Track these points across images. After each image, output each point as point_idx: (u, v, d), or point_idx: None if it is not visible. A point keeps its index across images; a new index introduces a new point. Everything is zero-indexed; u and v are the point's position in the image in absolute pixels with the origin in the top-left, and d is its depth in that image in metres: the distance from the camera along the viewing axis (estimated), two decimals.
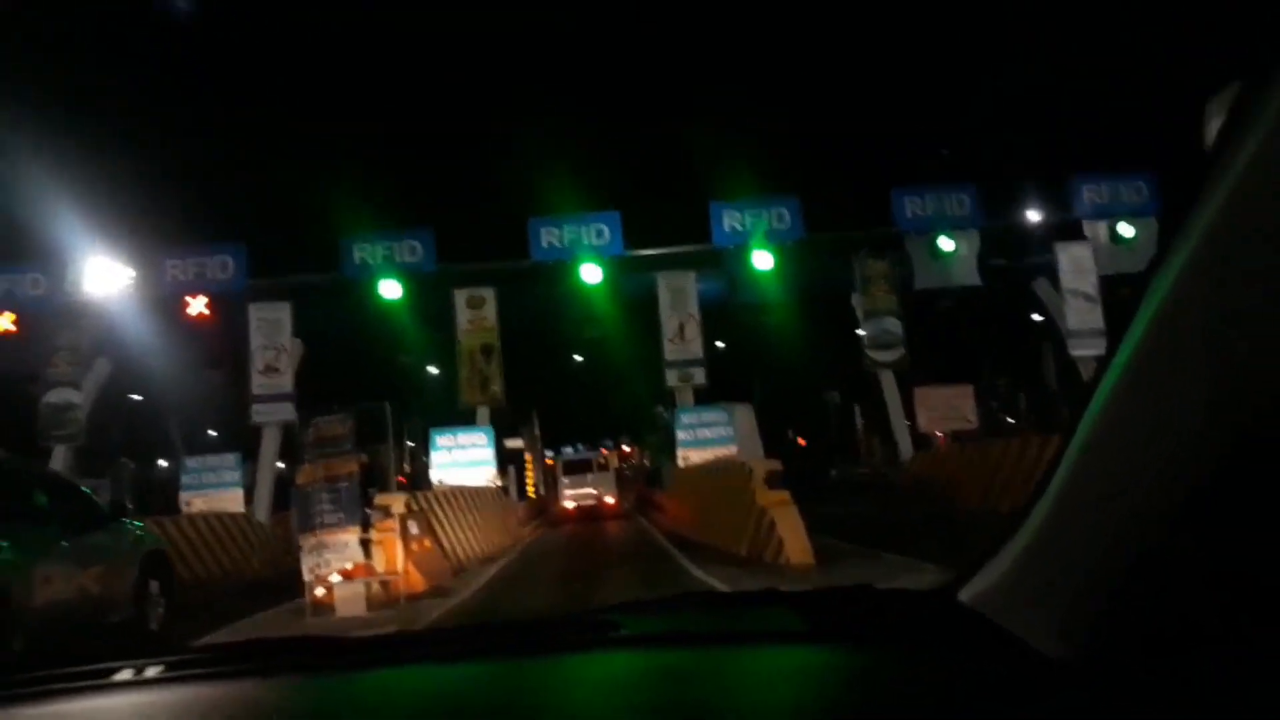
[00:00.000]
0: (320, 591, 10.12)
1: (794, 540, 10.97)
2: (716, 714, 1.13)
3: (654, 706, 1.17)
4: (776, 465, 12.43)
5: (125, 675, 1.45)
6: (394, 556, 10.47)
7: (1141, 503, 0.95)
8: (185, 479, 20.50)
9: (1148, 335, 0.91)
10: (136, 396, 29.64)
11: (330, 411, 10.35)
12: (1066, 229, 24.63)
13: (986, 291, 24.92)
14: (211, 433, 34.23)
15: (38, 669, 1.47)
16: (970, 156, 26.81)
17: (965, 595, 1.28)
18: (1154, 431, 0.92)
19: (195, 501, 19.65)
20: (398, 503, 11.71)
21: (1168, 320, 0.89)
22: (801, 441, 34.76)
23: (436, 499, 14.35)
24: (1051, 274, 24.30)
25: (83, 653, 1.89)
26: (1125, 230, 24.45)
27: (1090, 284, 23.20)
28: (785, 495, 11.90)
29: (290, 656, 1.57)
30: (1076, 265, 23.43)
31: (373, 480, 31.11)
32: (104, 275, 23.39)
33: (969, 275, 24.30)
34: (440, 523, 13.86)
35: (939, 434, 23.25)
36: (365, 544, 10.42)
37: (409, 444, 35.63)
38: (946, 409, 20.95)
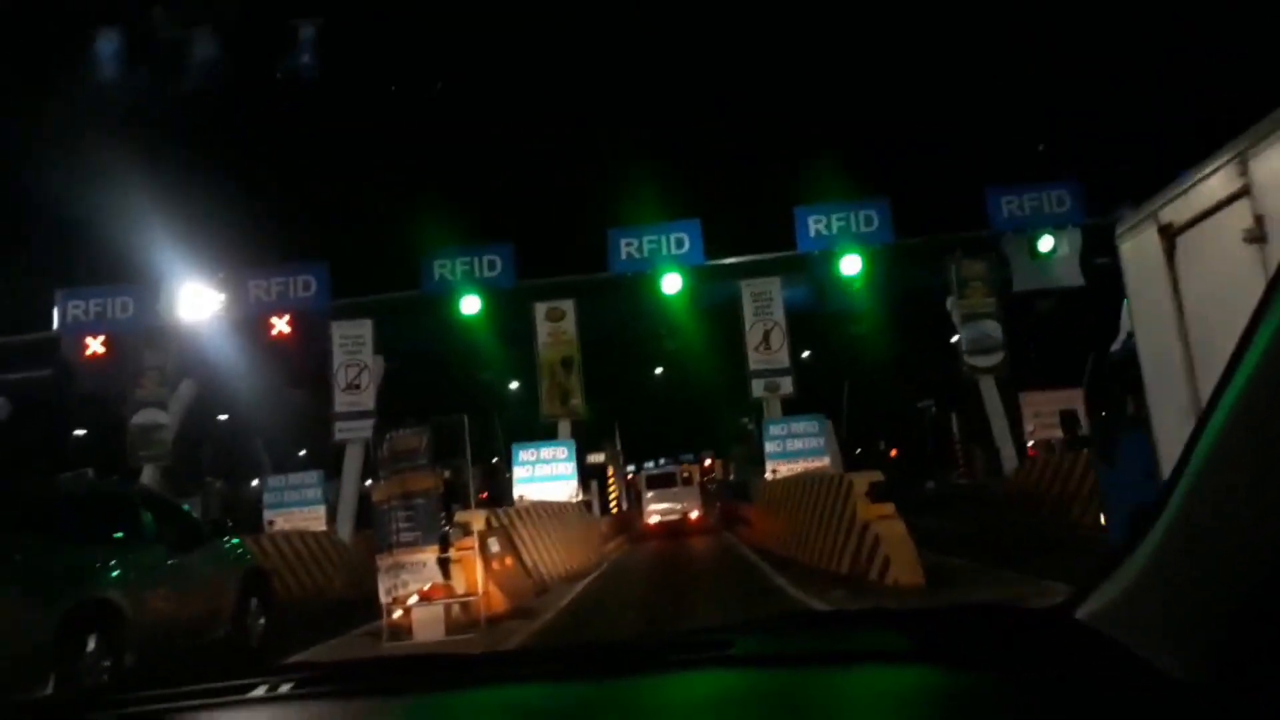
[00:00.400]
0: (398, 614, 9.64)
1: (902, 558, 10.12)
2: None
3: None
4: (878, 476, 11.58)
5: (259, 692, 1.49)
6: (474, 576, 9.92)
7: (1275, 518, 0.90)
8: (268, 497, 20.41)
9: (1276, 340, 0.89)
10: (224, 417, 30.01)
11: (405, 425, 9.85)
12: None
13: (1090, 291, 23.55)
14: (301, 452, 34.55)
15: (148, 685, 1.56)
16: (1070, 151, 25.46)
17: (1083, 613, 1.24)
18: None
19: (277, 520, 19.52)
20: (478, 519, 11.19)
21: None
22: (894, 453, 33.53)
23: (518, 515, 13.84)
24: None
25: (189, 669, 1.86)
26: None
27: None
28: (889, 508, 11.08)
29: (405, 675, 1.60)
30: None
31: (454, 496, 30.98)
32: (191, 298, 23.62)
33: (1071, 275, 23.01)
34: (522, 540, 13.32)
35: (1029, 444, 21.97)
36: (444, 563, 9.90)
37: (493, 460, 35.45)
38: (1056, 415, 19.63)
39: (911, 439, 33.75)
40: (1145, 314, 6.95)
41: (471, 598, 9.90)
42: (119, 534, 8.19)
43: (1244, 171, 5.32)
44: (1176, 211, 6.16)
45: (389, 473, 9.74)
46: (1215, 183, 5.65)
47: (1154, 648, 1.06)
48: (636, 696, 1.35)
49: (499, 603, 10.32)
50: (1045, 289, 23.27)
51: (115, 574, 7.59)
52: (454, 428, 10.21)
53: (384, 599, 9.58)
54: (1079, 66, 25.50)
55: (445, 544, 10.23)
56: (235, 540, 10.60)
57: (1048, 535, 14.01)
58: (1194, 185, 5.93)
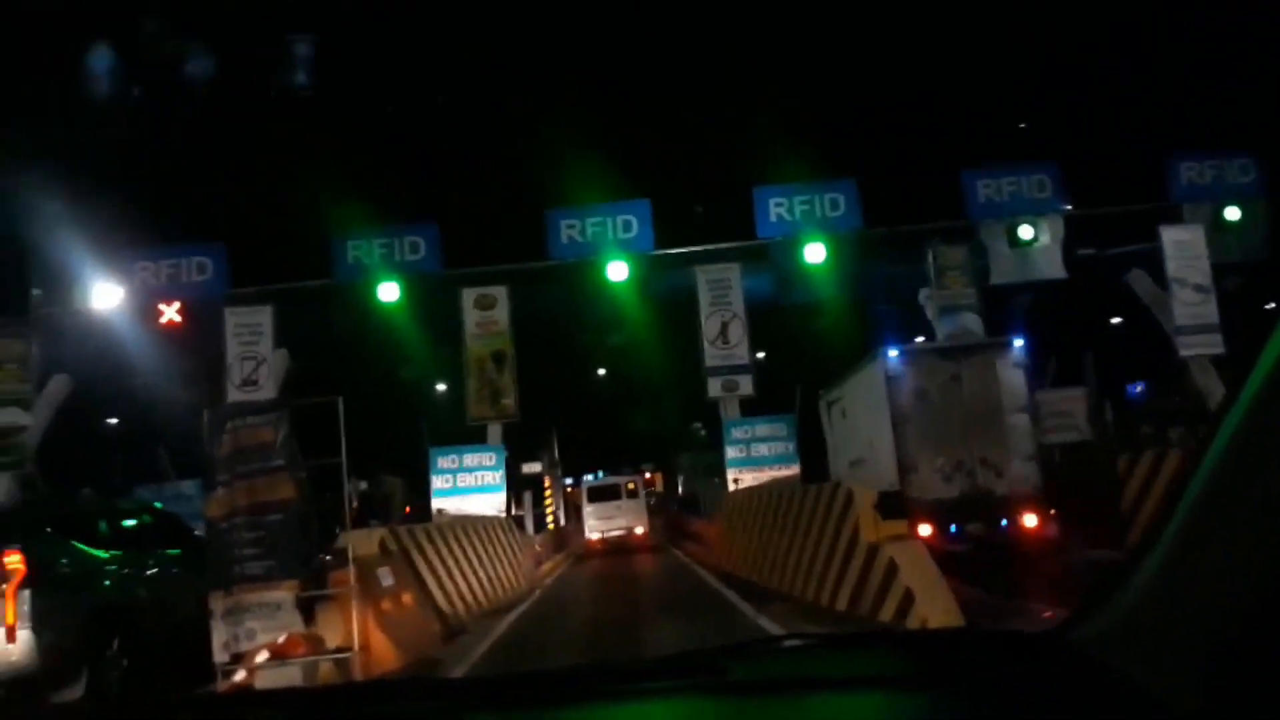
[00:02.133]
0: (240, 676, 6.84)
1: (929, 592, 7.60)
2: None
3: None
4: (887, 485, 9.10)
5: None
6: (350, 622, 7.16)
7: (1275, 546, 0.89)
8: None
9: (1264, 386, 0.90)
10: (113, 420, 26.78)
11: (252, 409, 7.09)
12: (1162, 214, 21.30)
13: (1072, 285, 21.57)
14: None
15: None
16: (1051, 134, 23.50)
17: (1078, 638, 1.24)
18: None
19: None
20: (366, 542, 8.43)
21: None
22: None
23: (427, 535, 11.02)
24: (1149, 263, 21.03)
25: None
26: (1231, 214, 21.11)
27: (1202, 272, 19.83)
28: (903, 527, 8.62)
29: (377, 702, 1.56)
30: (1185, 251, 20.05)
31: (370, 511, 28.06)
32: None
33: (1053, 267, 20.99)
34: (431, 567, 10.56)
35: None
36: (309, 605, 7.15)
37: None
38: (1056, 417, 17.50)
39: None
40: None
41: (346, 653, 7.14)
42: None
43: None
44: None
45: (229, 477, 6.96)
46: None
47: (1147, 675, 1.05)
48: None
49: (388, 657, 7.59)
50: (1026, 281, 21.26)
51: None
52: (329, 415, 7.47)
53: (219, 655, 6.79)
54: (1061, 42, 23.57)
55: (319, 577, 7.50)
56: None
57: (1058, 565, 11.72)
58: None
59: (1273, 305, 23.51)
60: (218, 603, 6.87)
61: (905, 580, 7.85)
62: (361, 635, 7.28)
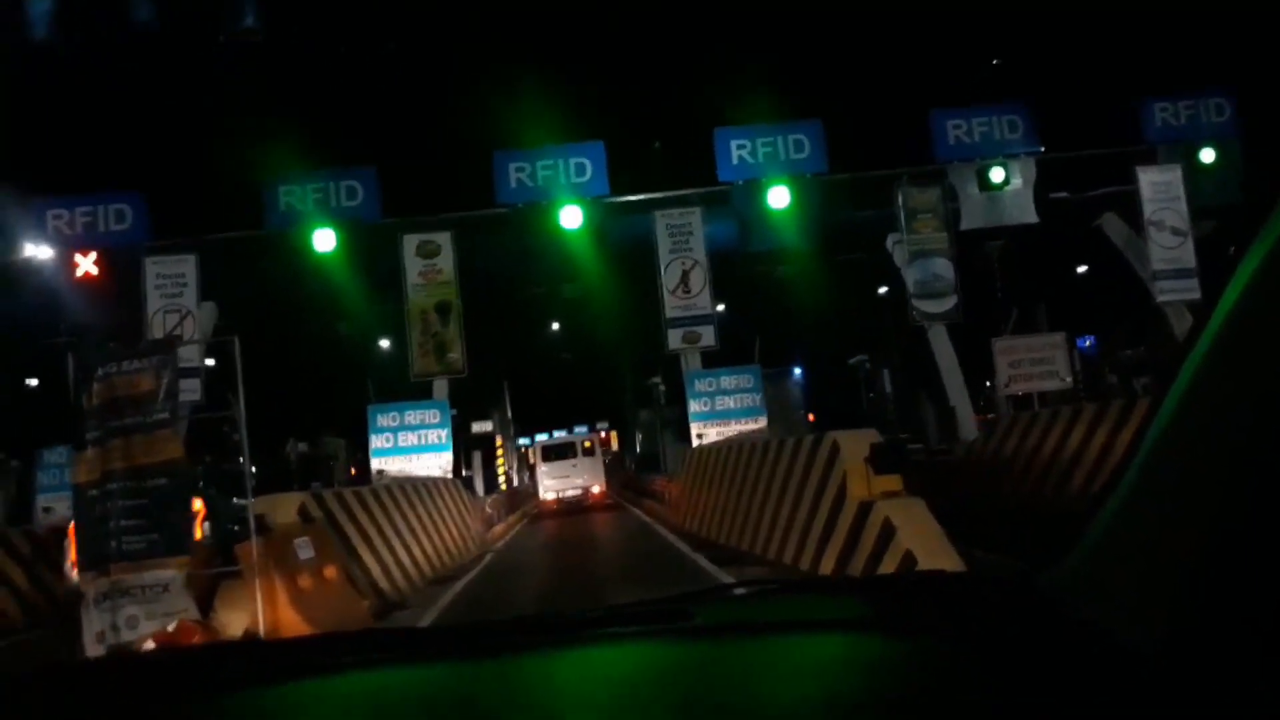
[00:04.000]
0: None
1: (935, 556, 6.59)
2: (783, 703, 1.10)
3: (721, 695, 1.15)
4: (875, 436, 8.12)
5: None
6: (255, 605, 5.99)
7: (1230, 487, 0.92)
8: (42, 478, 15.89)
9: (1238, 309, 0.90)
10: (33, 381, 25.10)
11: (128, 353, 5.83)
12: (1136, 157, 20.55)
13: (1044, 230, 20.79)
14: None
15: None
16: (1022, 74, 22.53)
17: (1042, 583, 1.26)
18: (1242, 410, 0.90)
19: (57, 506, 15.14)
20: (284, 509, 7.24)
21: (1259, 295, 0.88)
22: (810, 417, 30.45)
23: (359, 500, 9.80)
24: (1122, 207, 20.32)
25: None
26: (1207, 156, 20.43)
27: (1180, 215, 19.17)
28: (898, 482, 7.64)
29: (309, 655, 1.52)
30: (1163, 193, 19.34)
31: (315, 472, 26.61)
32: None
33: (1025, 211, 20.21)
34: (365, 535, 9.38)
35: (973, 417, 19.12)
36: (210, 584, 5.97)
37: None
38: (1034, 364, 16.68)
39: (837, 400, 30.69)
40: None
41: (251, 639, 5.94)
42: None
43: None
44: None
45: (101, 434, 5.71)
46: None
47: (1110, 617, 1.08)
48: (593, 666, 1.32)
49: None
50: (998, 226, 20.42)
51: None
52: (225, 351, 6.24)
53: (92, 649, 5.59)
54: None
55: (226, 551, 6.32)
56: None
57: (1049, 513, 10.90)
58: None
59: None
60: (89, 585, 5.66)
61: (906, 541, 6.85)
62: (270, 619, 6.13)
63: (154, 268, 18.75)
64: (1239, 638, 0.90)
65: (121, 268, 19.64)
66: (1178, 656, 0.96)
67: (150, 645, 5.69)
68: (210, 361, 18.96)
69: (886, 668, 1.20)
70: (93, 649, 5.60)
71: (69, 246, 19.71)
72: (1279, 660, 0.86)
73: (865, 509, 7.42)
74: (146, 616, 5.64)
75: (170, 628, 5.68)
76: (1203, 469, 0.95)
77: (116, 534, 5.66)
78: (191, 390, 17.76)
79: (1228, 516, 0.92)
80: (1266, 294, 0.87)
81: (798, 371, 30.14)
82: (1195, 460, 0.97)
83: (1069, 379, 17.29)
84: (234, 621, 6.14)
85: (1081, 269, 27.68)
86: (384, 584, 9.29)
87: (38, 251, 20.08)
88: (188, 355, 18.04)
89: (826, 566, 8.01)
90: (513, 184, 19.56)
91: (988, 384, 23.77)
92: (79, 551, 5.81)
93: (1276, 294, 0.86)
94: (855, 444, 7.86)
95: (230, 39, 17.95)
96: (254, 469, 17.33)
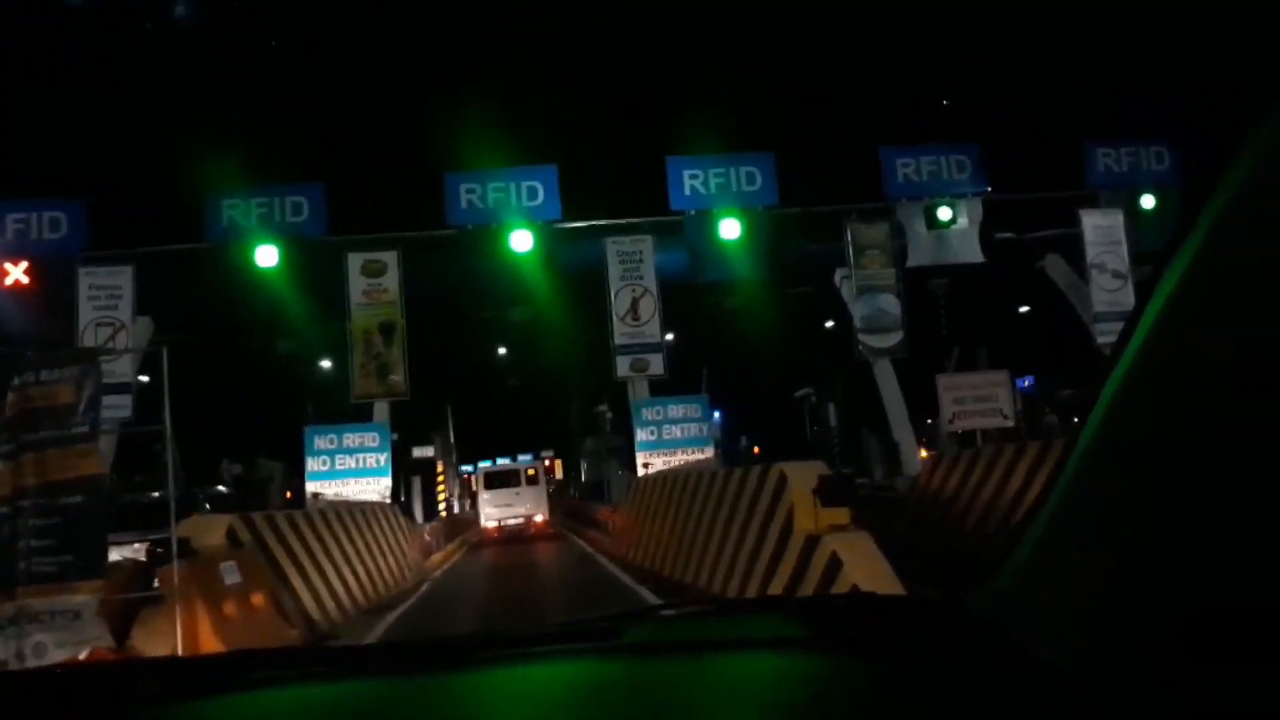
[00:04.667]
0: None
1: (879, 588, 6.40)
2: None
3: (652, 713, 1.15)
4: (824, 469, 8.02)
5: None
6: (174, 634, 5.68)
7: (1146, 506, 0.94)
8: None
9: (1152, 336, 0.93)
10: None
11: (44, 361, 5.53)
12: (1080, 201, 21.04)
13: (989, 269, 21.09)
14: None
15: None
16: (969, 116, 22.94)
17: (973, 603, 1.27)
18: (1156, 434, 0.93)
19: None
20: (210, 531, 6.92)
21: (1172, 322, 0.90)
22: (756, 450, 30.42)
23: (291, 523, 9.46)
24: (1065, 249, 20.74)
25: None
26: (1147, 202, 20.99)
27: (1120, 258, 19.60)
28: (845, 515, 7.54)
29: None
30: (1104, 237, 19.78)
31: (263, 494, 25.88)
32: None
33: (970, 250, 20.50)
34: (295, 560, 9.04)
35: (922, 451, 19.27)
36: (128, 612, 5.65)
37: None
38: (977, 401, 16.81)
39: (781, 432, 30.77)
40: None
41: None
42: None
43: None
44: None
45: (13, 447, 5.39)
46: None
47: (1037, 637, 1.09)
48: (520, 685, 1.30)
49: None
50: (943, 264, 20.68)
51: None
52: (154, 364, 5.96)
53: None
54: (981, 22, 23.02)
55: (144, 574, 6.00)
56: None
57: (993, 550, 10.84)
58: None
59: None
60: None
61: (852, 575, 6.75)
62: (191, 647, 5.81)
63: (88, 278, 18.17)
64: (1161, 655, 0.92)
65: (54, 277, 19.01)
66: (1102, 675, 0.98)
67: None
68: (145, 378, 18.34)
69: (818, 686, 1.21)
70: None
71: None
72: (1199, 675, 0.88)
73: (813, 542, 7.31)
74: (56, 645, 5.29)
75: (82, 656, 5.34)
76: (1121, 488, 0.97)
77: (26, 554, 5.32)
78: (122, 406, 17.20)
79: (1145, 535, 0.93)
80: (1179, 316, 0.90)
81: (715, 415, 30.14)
82: (1113, 480, 0.99)
83: (1011, 418, 17.43)
84: (153, 649, 5.79)
85: (1024, 309, 28.16)
86: (314, 612, 8.94)
87: None
88: (120, 370, 17.51)
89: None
90: (463, 205, 19.36)
91: (929, 421, 23.96)
92: None
93: (1189, 315, 0.88)
94: (803, 476, 7.76)
95: (157, 27, 17.54)
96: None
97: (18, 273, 19.10)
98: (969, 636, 1.22)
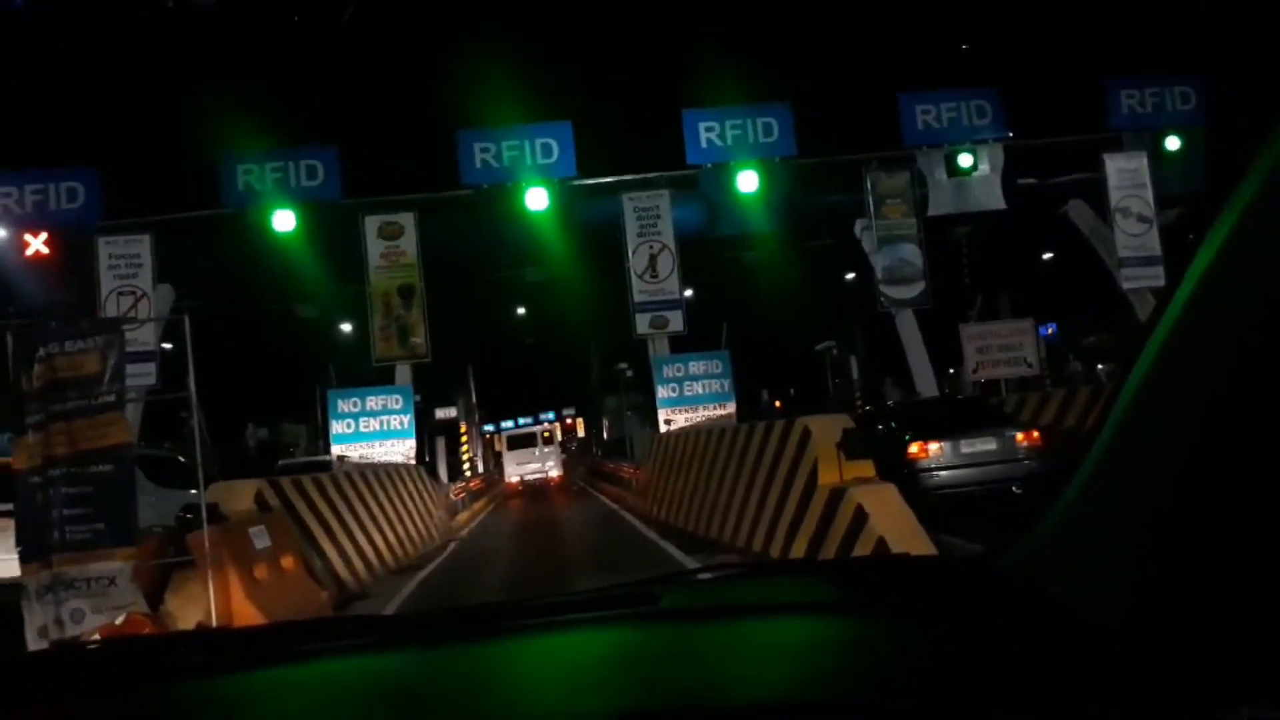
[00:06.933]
0: None
1: (908, 543, 6.46)
2: (750, 685, 1.11)
3: (688, 678, 1.15)
4: (849, 422, 7.98)
5: None
6: (207, 598, 5.75)
7: (1187, 469, 0.94)
8: None
9: (1197, 293, 0.93)
10: None
11: (69, 330, 5.55)
12: (1103, 144, 20.61)
13: (1010, 216, 20.80)
14: None
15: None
16: (989, 59, 22.46)
17: (1005, 562, 1.28)
18: (1200, 394, 0.93)
19: None
20: (239, 495, 6.99)
21: (1216, 280, 0.90)
22: (778, 404, 30.34)
23: (318, 487, 9.54)
24: (1088, 194, 20.39)
25: None
26: (1172, 144, 20.53)
27: (1145, 202, 19.25)
28: (869, 468, 7.52)
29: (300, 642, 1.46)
30: (1129, 180, 19.42)
31: (274, 455, 26.13)
32: None
33: (992, 197, 20.18)
34: (324, 523, 9.12)
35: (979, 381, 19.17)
36: (160, 577, 5.71)
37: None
38: (1002, 350, 16.67)
39: (803, 386, 30.60)
40: None
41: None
42: None
43: None
44: None
45: (43, 417, 5.43)
46: None
47: (1070, 593, 1.11)
48: (558, 651, 1.31)
49: None
50: (964, 212, 20.40)
51: None
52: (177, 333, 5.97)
53: (34, 644, 5.32)
54: None
55: (179, 541, 6.07)
56: None
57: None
58: None
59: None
60: (32, 577, 5.39)
61: (878, 528, 6.74)
62: (224, 611, 5.89)
63: (107, 248, 18.24)
64: (1196, 609, 0.94)
65: (74, 248, 19.08)
66: (1137, 627, 0.99)
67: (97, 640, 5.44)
68: (167, 345, 18.46)
69: (852, 648, 1.22)
70: (35, 644, 5.34)
71: (19, 225, 19.11)
72: (1233, 629, 0.89)
73: (837, 495, 7.30)
74: (92, 610, 5.37)
75: (118, 621, 5.42)
76: (1162, 451, 0.99)
77: (59, 523, 5.39)
78: (145, 374, 17.35)
79: (1185, 496, 0.95)
80: (1224, 280, 0.90)
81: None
82: (1154, 443, 1.00)
83: (1036, 366, 17.30)
84: (186, 614, 5.88)
85: (1047, 255, 27.84)
86: (344, 574, 9.05)
87: None
88: (143, 338, 17.63)
89: (797, 553, 7.89)
90: (477, 164, 19.21)
91: (951, 371, 23.83)
92: (19, 541, 5.52)
93: (1233, 281, 0.89)
94: (827, 429, 7.73)
95: (179, 2, 17.41)
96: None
97: (38, 244, 19.18)
98: (1000, 597, 1.23)
